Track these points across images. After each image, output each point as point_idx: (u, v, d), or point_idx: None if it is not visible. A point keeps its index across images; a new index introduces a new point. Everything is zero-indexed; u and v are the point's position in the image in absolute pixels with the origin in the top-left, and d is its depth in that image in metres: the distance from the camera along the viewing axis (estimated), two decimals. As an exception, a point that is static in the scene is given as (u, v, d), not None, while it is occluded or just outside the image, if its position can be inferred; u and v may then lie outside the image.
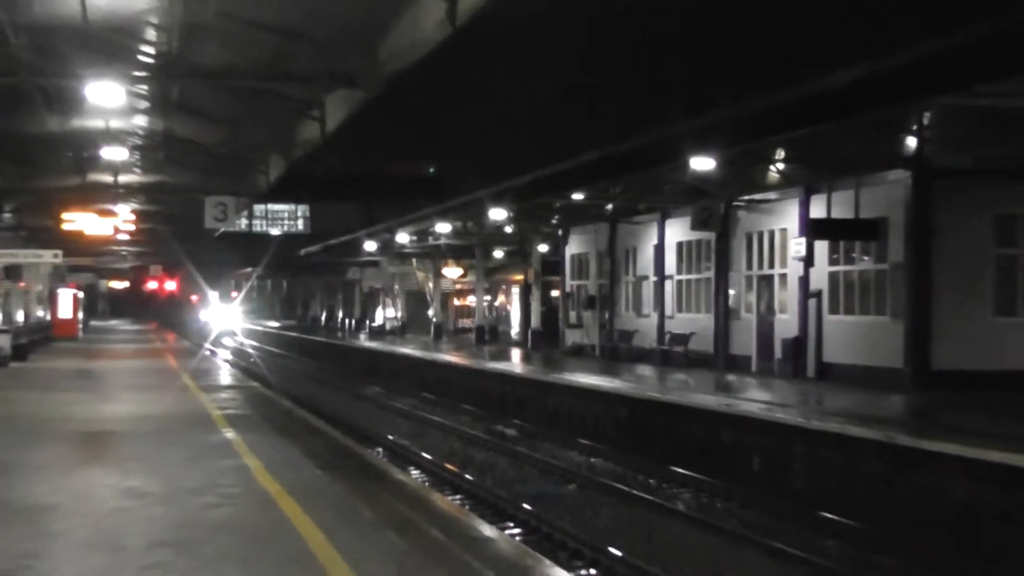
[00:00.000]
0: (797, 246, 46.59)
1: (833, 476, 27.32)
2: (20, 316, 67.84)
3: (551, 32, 22.93)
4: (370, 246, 79.35)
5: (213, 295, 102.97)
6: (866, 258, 43.72)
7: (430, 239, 76.39)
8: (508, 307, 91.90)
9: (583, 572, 20.08)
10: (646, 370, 50.62)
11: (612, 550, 21.97)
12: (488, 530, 17.06)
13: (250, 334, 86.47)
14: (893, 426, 28.26)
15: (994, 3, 20.07)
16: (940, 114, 33.22)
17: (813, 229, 44.59)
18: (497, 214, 60.09)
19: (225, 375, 52.04)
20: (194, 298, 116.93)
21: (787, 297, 48.49)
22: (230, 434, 26.09)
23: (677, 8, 21.43)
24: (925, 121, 34.86)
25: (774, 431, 30.53)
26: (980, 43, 22.06)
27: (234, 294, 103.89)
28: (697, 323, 55.49)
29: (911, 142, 36.89)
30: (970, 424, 27.92)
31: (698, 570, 21.20)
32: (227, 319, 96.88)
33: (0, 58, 29.63)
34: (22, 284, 70.30)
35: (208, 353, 70.10)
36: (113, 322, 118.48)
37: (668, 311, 59.01)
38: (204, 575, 12.79)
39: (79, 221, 59.96)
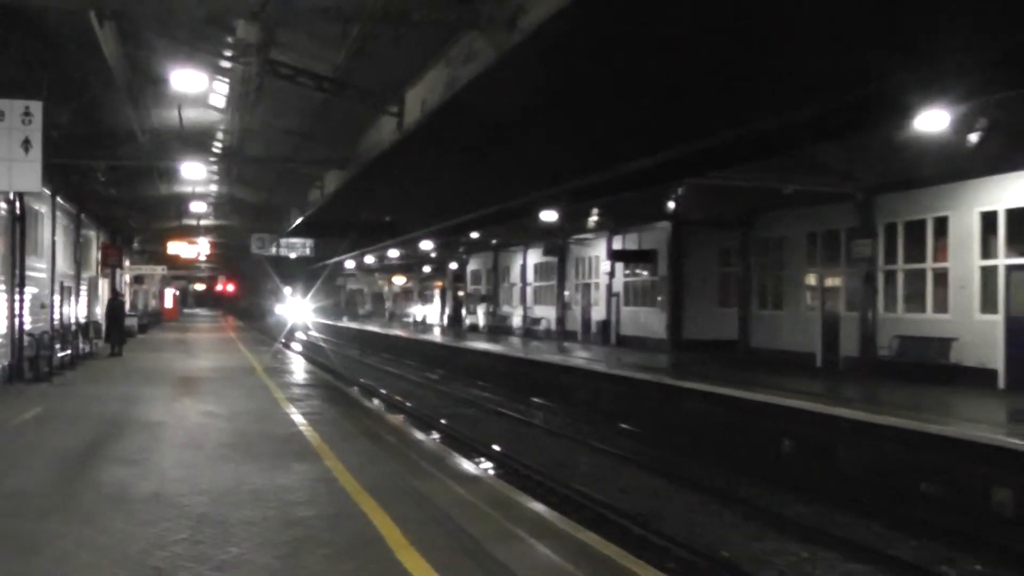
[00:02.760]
0: (605, 266, 46.91)
1: (627, 401, 27.35)
2: (142, 306, 67.64)
3: (455, 136, 22.90)
4: (350, 264, 79.08)
5: (259, 293, 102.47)
6: (645, 273, 43.96)
7: (386, 260, 76.08)
8: (434, 301, 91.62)
9: (477, 460, 19.86)
10: (516, 340, 50.54)
11: (495, 447, 21.92)
12: (420, 435, 17.02)
13: (280, 318, 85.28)
14: (660, 372, 28.38)
15: (717, 125, 20.19)
16: (687, 188, 33.38)
17: (614, 256, 45.09)
18: (426, 245, 60.14)
19: (263, 341, 51.52)
20: (242, 293, 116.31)
21: (599, 296, 48.77)
22: (265, 379, 25.92)
23: (529, 131, 21.47)
24: (679, 192, 34.97)
25: (590, 375, 30.58)
26: (709, 150, 22.23)
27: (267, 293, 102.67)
28: (546, 312, 55.64)
29: (671, 204, 37.07)
30: (704, 371, 28.08)
31: (549, 458, 21.09)
32: (268, 308, 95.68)
33: (134, 149, 29.72)
34: (144, 287, 70.16)
35: (254, 329, 69.61)
36: (197, 310, 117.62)
37: (528, 305, 59.16)
38: (250, 461, 12.86)
39: (177, 248, 61.11)
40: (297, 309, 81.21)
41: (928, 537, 14.72)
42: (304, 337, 63.39)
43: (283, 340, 56.62)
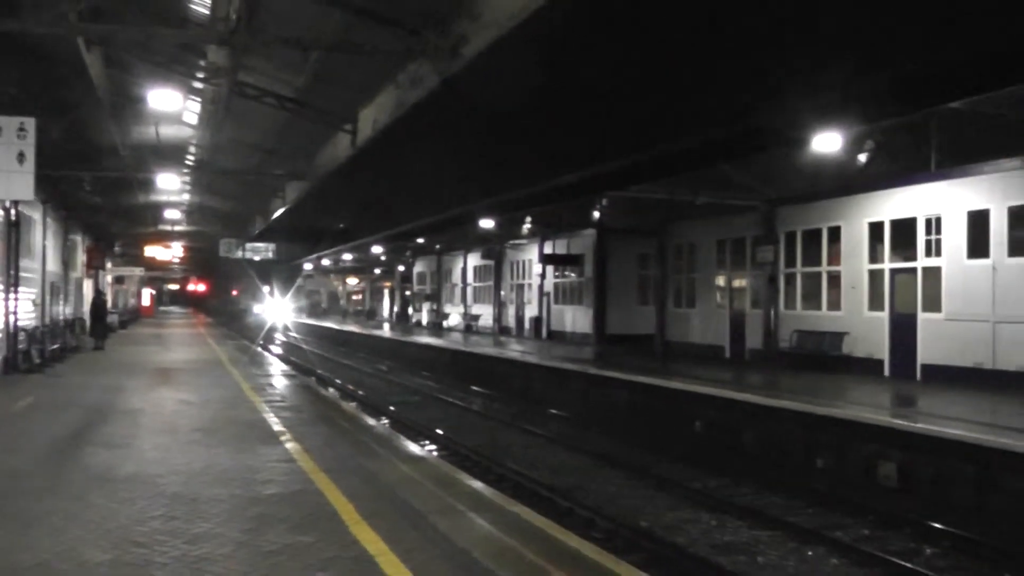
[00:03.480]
0: (537, 269, 46.93)
1: (554, 389, 27.42)
2: (122, 304, 67.17)
3: (403, 151, 22.92)
4: (308, 266, 78.59)
5: (226, 292, 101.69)
6: (573, 275, 44.01)
7: (341, 263, 75.75)
8: (382, 300, 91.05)
9: (423, 442, 19.85)
10: (457, 335, 50.46)
11: (438, 430, 21.91)
12: (372, 421, 16.99)
13: (246, 314, 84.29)
14: (587, 363, 28.48)
15: (635, 146, 20.36)
16: (610, 200, 33.62)
17: (545, 260, 44.93)
18: (377, 249, 60.02)
19: (229, 336, 51.18)
20: (211, 293, 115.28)
21: (532, 296, 48.82)
22: (232, 370, 25.76)
23: (469, 148, 21.51)
24: (603, 203, 35.16)
25: (523, 365, 30.64)
26: (627, 168, 22.38)
27: (235, 292, 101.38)
28: (485, 310, 55.64)
29: (596, 214, 37.25)
30: (624, 362, 28.23)
31: (487, 440, 21.12)
32: (234, 306, 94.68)
33: (116, 162, 29.89)
34: (124, 286, 69.65)
35: (221, 325, 68.85)
36: (171, 308, 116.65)
37: (469, 303, 59.14)
38: (219, 445, 12.82)
39: (153, 251, 60.92)
40: (261, 307, 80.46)
41: (822, 506, 14.96)
42: (267, 331, 62.76)
43: (247, 334, 56.15)
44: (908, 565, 11.65)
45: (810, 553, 12.40)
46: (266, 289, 76.73)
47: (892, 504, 14.64)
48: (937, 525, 13.38)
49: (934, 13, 11.64)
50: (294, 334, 67.87)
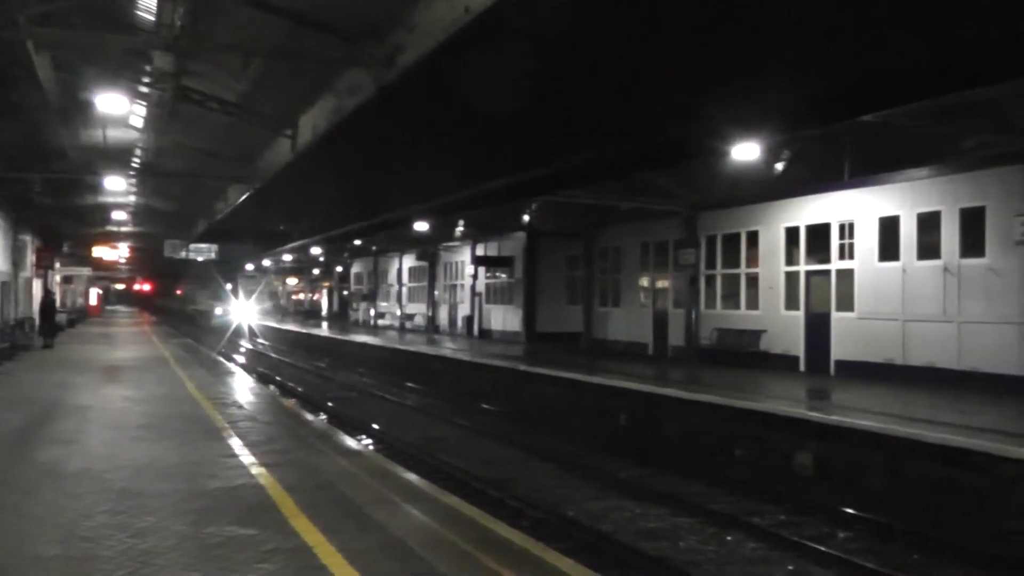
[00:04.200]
0: (470, 270, 46.94)
1: (487, 385, 27.45)
2: (70, 304, 66.15)
3: (341, 156, 22.86)
4: (249, 267, 77.88)
5: (171, 292, 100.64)
6: (504, 276, 44.06)
7: (281, 263, 75.20)
8: (321, 300, 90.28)
9: (359, 437, 19.79)
10: (393, 333, 50.34)
11: (375, 426, 21.85)
12: (310, 416, 16.91)
13: (190, 313, 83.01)
14: (515, 360, 28.57)
15: (563, 152, 20.44)
16: (540, 204, 33.72)
17: (477, 261, 44.96)
18: (315, 250, 59.66)
19: (174, 334, 50.66)
20: (156, 292, 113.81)
21: (464, 296, 48.81)
22: (176, 368, 25.52)
23: (405, 153, 21.49)
24: (533, 207, 35.27)
25: (456, 362, 30.64)
26: (556, 173, 22.44)
27: (179, 292, 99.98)
28: (419, 309, 55.55)
29: (526, 217, 37.31)
30: (553, 359, 28.36)
31: (421, 434, 21.11)
32: (178, 305, 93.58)
33: (65, 164, 29.44)
34: (72, 286, 68.59)
35: (166, 324, 67.98)
36: (118, 307, 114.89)
37: (404, 303, 59.05)
38: (164, 440, 12.75)
39: (101, 252, 60.03)
40: (204, 306, 79.49)
41: (742, 494, 15.16)
42: (210, 330, 61.90)
43: (191, 333, 55.53)
44: (822, 548, 11.86)
45: (729, 538, 12.57)
46: (205, 289, 75.67)
47: (807, 491, 14.88)
48: (850, 510, 13.64)
49: (842, 39, 11.92)
50: (237, 332, 67.28)
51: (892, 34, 11.72)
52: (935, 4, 10.95)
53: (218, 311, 59.90)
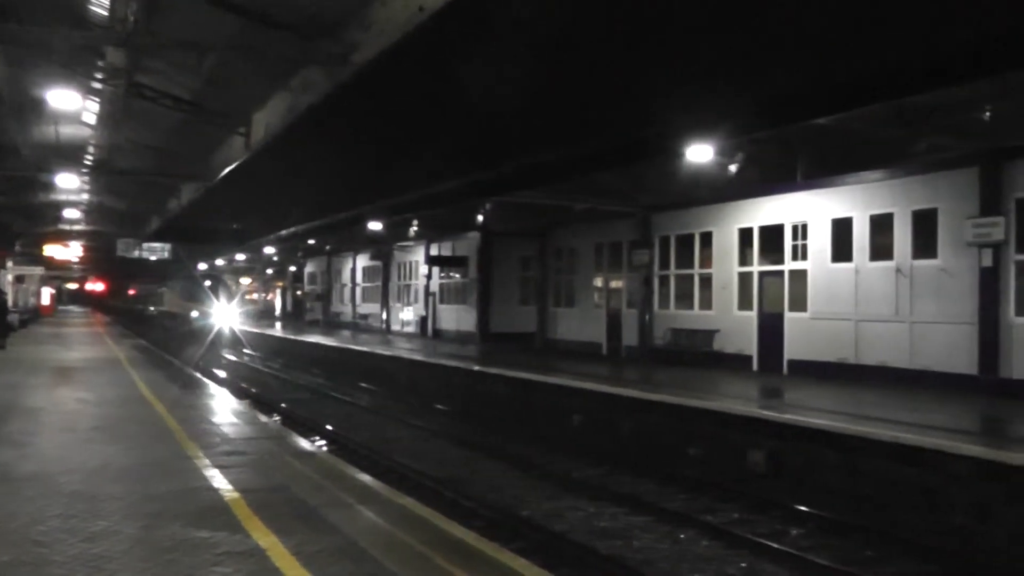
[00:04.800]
0: (424, 270, 46.91)
1: (441, 385, 27.39)
2: (22, 303, 65.29)
3: (295, 155, 22.81)
4: (202, 266, 77.33)
5: (124, 292, 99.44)
6: (458, 276, 44.06)
7: (235, 263, 74.78)
8: (275, 299, 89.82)
9: (313, 438, 19.66)
10: (347, 333, 50.16)
11: (329, 427, 21.72)
12: (264, 418, 16.79)
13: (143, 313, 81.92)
14: (470, 360, 28.57)
15: (518, 153, 20.52)
16: (494, 204, 33.73)
17: (431, 261, 45.08)
18: (269, 250, 59.39)
19: (126, 335, 50.25)
20: (110, 292, 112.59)
21: (418, 295, 48.77)
22: (129, 369, 25.29)
23: (359, 152, 21.47)
24: (487, 208, 35.29)
25: (410, 363, 30.56)
26: (510, 174, 22.52)
27: (132, 292, 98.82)
28: (373, 309, 55.44)
29: (481, 217, 37.38)
30: (507, 359, 28.38)
31: (375, 434, 21.01)
32: (132, 305, 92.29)
33: (17, 161, 29.40)
34: (24, 285, 67.82)
35: (119, 324, 67.20)
36: (71, 307, 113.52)
37: (358, 303, 58.94)
38: (115, 443, 12.63)
39: (53, 250, 59.20)
40: (157, 305, 78.67)
41: (695, 492, 15.21)
42: (164, 329, 61.17)
43: (145, 334, 54.86)
44: (775, 546, 11.93)
45: (682, 536, 12.61)
46: (159, 288, 74.76)
47: (761, 488, 14.99)
48: (803, 508, 13.74)
49: (792, 46, 12.05)
50: (190, 331, 66.58)
51: (843, 40, 11.86)
52: (885, 12, 11.08)
53: (195, 314, 54.23)
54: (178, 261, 53.68)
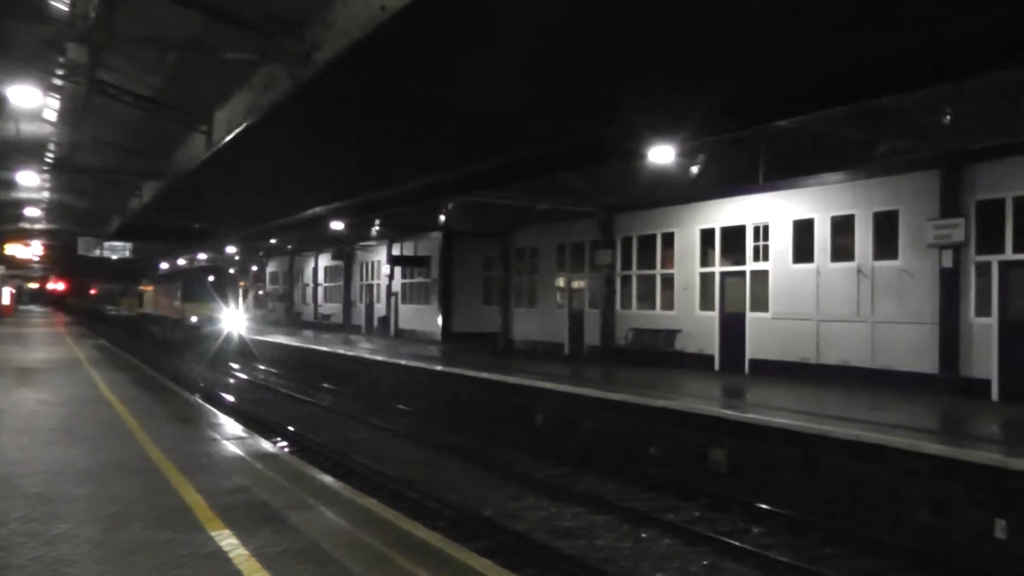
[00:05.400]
0: (386, 269, 46.81)
1: (403, 385, 27.33)
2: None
3: (257, 153, 22.71)
4: (164, 265, 76.70)
5: (85, 292, 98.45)
6: (421, 276, 43.96)
7: (196, 262, 74.30)
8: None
9: (275, 439, 19.55)
10: (309, 333, 49.90)
11: (291, 428, 21.62)
12: (223, 419, 16.66)
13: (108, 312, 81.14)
14: (432, 360, 28.55)
15: (479, 153, 20.54)
16: (456, 204, 33.70)
17: (393, 261, 44.96)
18: (231, 249, 59.12)
19: (87, 335, 49.74)
20: (71, 292, 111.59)
21: (381, 295, 48.59)
22: (89, 369, 25.06)
23: (321, 151, 21.40)
24: (449, 207, 35.24)
25: (372, 363, 30.46)
26: (472, 174, 22.55)
27: (94, 291, 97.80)
28: (335, 308, 55.27)
29: (443, 217, 37.35)
30: (469, 359, 28.39)
31: (337, 435, 20.95)
32: (95, 305, 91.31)
33: None
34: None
35: (81, 324, 66.39)
36: (31, 307, 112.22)
37: (320, 302, 58.76)
38: (76, 444, 12.57)
39: (13, 250, 58.67)
40: (122, 304, 77.87)
41: (657, 491, 15.31)
42: (125, 328, 60.49)
43: (106, 334, 54.37)
44: (736, 543, 12.02)
45: (644, 535, 12.67)
46: (122, 287, 73.96)
47: (722, 488, 15.09)
48: (764, 506, 13.87)
49: (752, 49, 12.16)
50: (151, 331, 66.07)
51: (801, 44, 11.97)
52: (843, 16, 11.19)
53: (194, 319, 40.74)
54: (169, 253, 51.97)
